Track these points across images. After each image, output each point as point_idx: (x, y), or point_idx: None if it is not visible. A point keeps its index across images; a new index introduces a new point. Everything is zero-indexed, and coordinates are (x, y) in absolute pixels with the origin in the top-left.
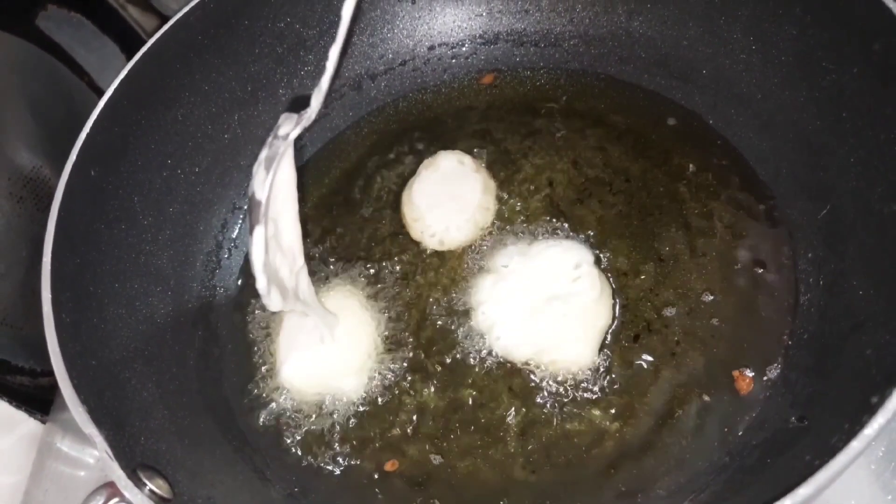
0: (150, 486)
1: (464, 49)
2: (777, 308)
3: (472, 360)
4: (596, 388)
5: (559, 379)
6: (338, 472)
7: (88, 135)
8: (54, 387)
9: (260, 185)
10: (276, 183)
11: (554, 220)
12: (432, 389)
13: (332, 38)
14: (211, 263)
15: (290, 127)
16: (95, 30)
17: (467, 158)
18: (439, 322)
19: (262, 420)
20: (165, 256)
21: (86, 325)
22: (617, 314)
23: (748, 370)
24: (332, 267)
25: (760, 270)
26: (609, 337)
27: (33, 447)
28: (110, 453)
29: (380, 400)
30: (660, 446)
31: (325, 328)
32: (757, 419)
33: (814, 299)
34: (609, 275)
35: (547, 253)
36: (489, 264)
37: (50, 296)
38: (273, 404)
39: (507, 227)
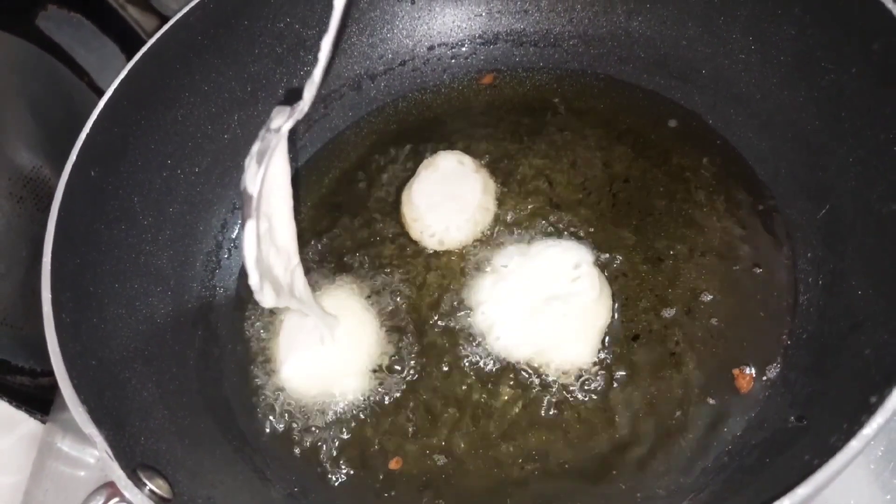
0: (150, 486)
1: (463, 49)
2: (776, 308)
3: (472, 360)
4: (595, 388)
5: (558, 379)
6: (338, 472)
7: (88, 135)
8: (54, 387)
9: (252, 178)
10: (268, 178)
11: (553, 219)
12: (432, 389)
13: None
14: (211, 263)
15: (282, 120)
16: (95, 30)
17: (467, 158)
18: (439, 322)
19: (262, 420)
20: (165, 256)
21: (86, 325)
22: (616, 314)
23: (748, 368)
24: (331, 267)
25: (759, 270)
26: (608, 337)
27: (33, 447)
28: (110, 453)
29: (380, 400)
30: (659, 446)
31: (326, 329)
32: (756, 419)
33: (813, 299)
34: (608, 275)
35: (546, 253)
36: (489, 264)
37: (50, 296)
38: (273, 404)
39: (507, 227)
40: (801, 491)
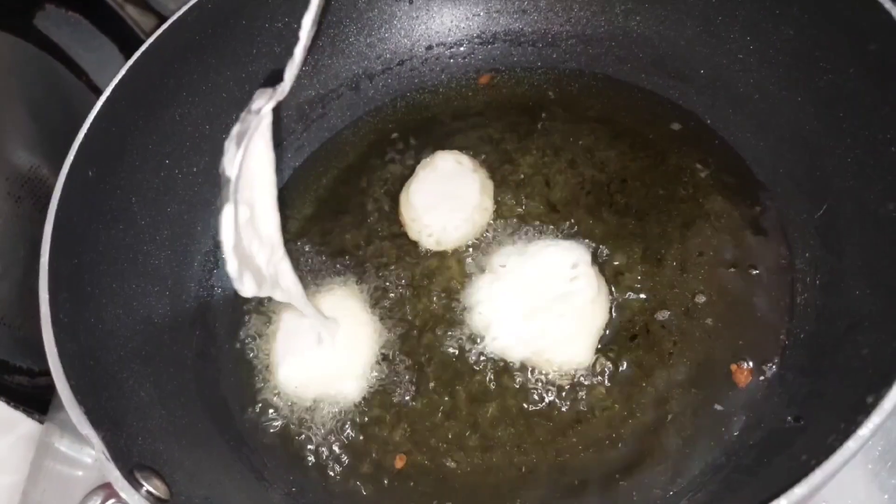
0: (147, 486)
1: (461, 49)
2: (774, 308)
3: (469, 360)
4: (592, 388)
5: (556, 379)
6: (336, 473)
7: (86, 135)
8: (52, 387)
9: (230, 161)
10: (249, 163)
11: (551, 219)
12: (429, 390)
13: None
14: (209, 263)
15: (263, 101)
16: (94, 29)
17: (465, 158)
18: (436, 323)
19: (260, 420)
20: (163, 256)
21: (83, 326)
22: (613, 314)
23: (746, 363)
24: (329, 267)
25: (757, 270)
26: (605, 337)
27: (31, 447)
28: (107, 454)
29: (377, 401)
30: (656, 446)
31: (323, 329)
32: (753, 419)
33: (810, 299)
34: (606, 275)
35: (544, 253)
36: (486, 264)
37: (47, 296)
38: (271, 405)
39: (505, 226)
40: (798, 491)
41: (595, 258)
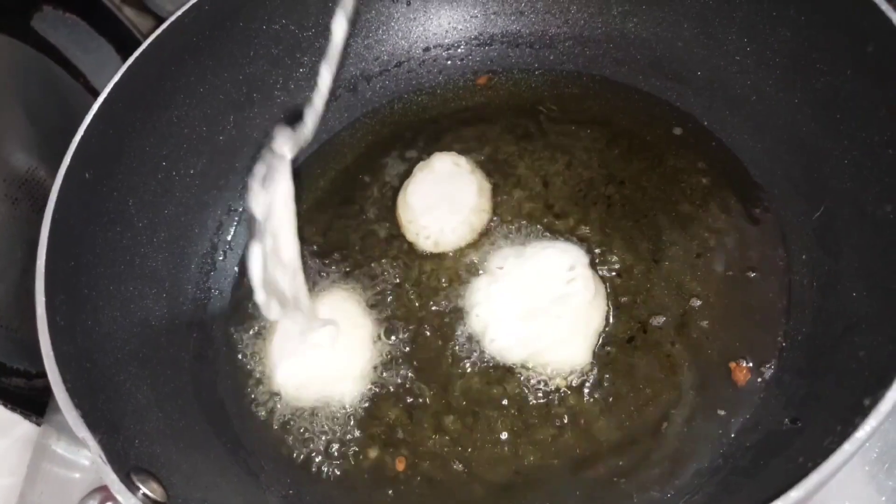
0: (143, 489)
1: (459, 50)
2: (771, 309)
3: (466, 362)
4: (590, 390)
5: (553, 381)
6: (333, 476)
7: (83, 137)
8: (49, 389)
9: (257, 201)
10: (273, 198)
11: (548, 221)
12: (427, 393)
13: (328, 41)
14: (206, 266)
15: (285, 142)
16: (91, 31)
17: (462, 160)
18: (434, 324)
19: (257, 423)
20: (160, 259)
21: (80, 328)
22: (611, 316)
23: (745, 361)
24: (326, 269)
25: (754, 272)
26: (603, 338)
27: (28, 449)
28: (103, 457)
29: (375, 404)
30: (654, 448)
31: (324, 333)
32: (750, 420)
33: (808, 301)
34: (603, 276)
35: (541, 254)
36: (484, 266)
37: (44, 298)
38: (269, 407)
39: (502, 228)
40: (795, 494)
41: (592, 260)
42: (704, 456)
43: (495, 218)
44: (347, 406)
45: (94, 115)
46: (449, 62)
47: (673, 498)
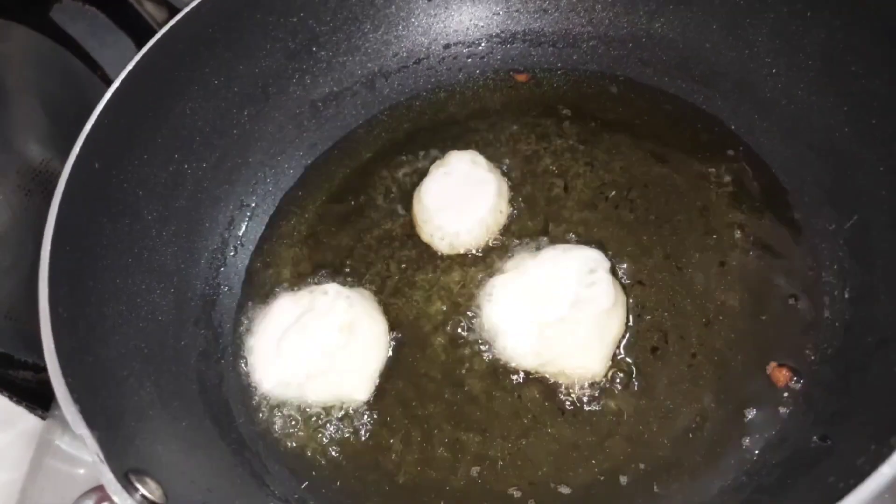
0: (142, 490)
1: (480, 48)
2: (800, 321)
3: (479, 367)
4: (606, 401)
5: (569, 389)
6: (340, 480)
7: (94, 126)
8: None
9: None
10: None
11: (568, 224)
12: (438, 396)
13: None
14: (216, 261)
15: None
16: (109, 23)
17: (480, 159)
18: (447, 327)
19: (262, 423)
20: (169, 253)
21: (83, 321)
22: (631, 324)
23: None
24: (339, 269)
25: (782, 282)
26: (622, 347)
27: (31, 444)
28: (101, 456)
29: (383, 406)
30: (674, 463)
31: (335, 332)
32: (776, 437)
33: (838, 313)
34: (624, 282)
35: (560, 258)
36: (500, 268)
37: (47, 290)
38: (275, 408)
39: (520, 230)
40: None
41: (613, 265)
42: (728, 472)
43: (513, 219)
44: (355, 409)
45: (106, 105)
46: (469, 60)
47: None
